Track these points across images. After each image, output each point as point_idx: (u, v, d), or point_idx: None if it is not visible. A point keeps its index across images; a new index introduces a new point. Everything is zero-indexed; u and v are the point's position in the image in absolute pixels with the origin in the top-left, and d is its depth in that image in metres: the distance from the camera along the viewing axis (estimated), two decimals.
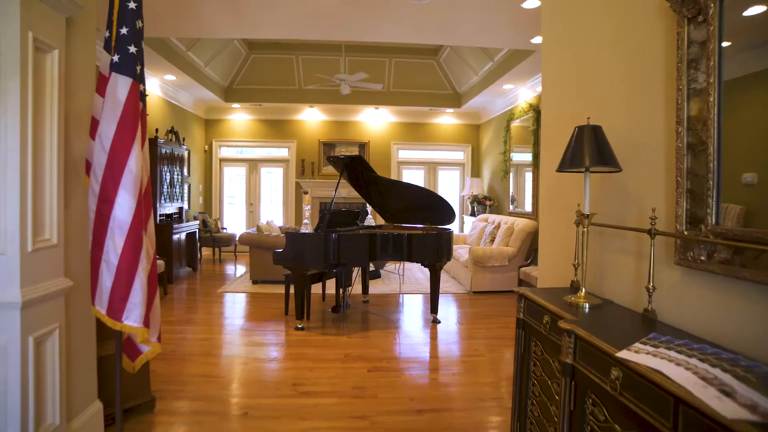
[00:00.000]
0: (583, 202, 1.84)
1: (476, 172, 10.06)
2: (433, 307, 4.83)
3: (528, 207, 7.65)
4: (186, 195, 8.64)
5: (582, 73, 2.33)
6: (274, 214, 9.92)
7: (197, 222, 7.80)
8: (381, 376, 3.43)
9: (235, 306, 5.44)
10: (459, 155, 10.21)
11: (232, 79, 8.90)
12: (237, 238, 8.47)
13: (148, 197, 2.24)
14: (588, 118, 1.92)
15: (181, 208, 7.52)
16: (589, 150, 1.71)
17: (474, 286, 6.27)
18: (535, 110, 7.03)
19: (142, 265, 2.06)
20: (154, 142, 6.41)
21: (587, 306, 1.79)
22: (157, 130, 6.56)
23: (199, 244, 8.62)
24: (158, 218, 6.51)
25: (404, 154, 10.09)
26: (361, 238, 4.41)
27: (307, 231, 4.19)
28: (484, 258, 6.17)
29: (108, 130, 2.00)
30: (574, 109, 2.40)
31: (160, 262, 5.70)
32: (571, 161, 1.77)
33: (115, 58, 2.03)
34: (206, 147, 9.71)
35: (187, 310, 5.19)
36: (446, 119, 10.02)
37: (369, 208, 5.55)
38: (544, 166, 2.77)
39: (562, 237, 2.50)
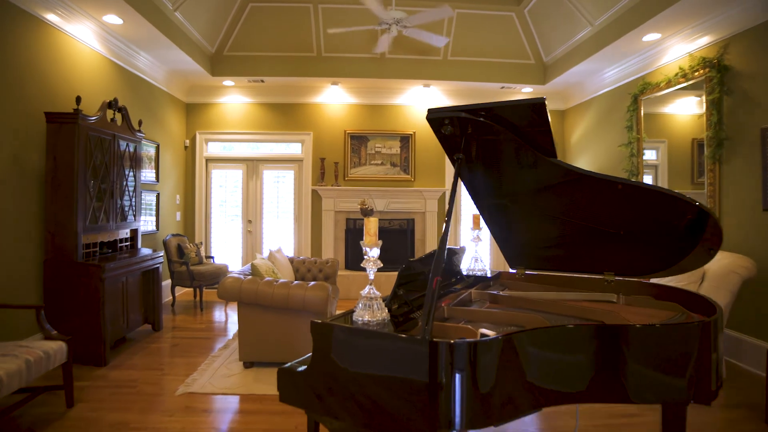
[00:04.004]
0: None
1: None
2: None
3: None
4: (153, 210, 5.88)
5: None
6: (282, 235, 7.12)
7: (162, 253, 5.01)
8: None
9: None
10: None
11: (221, 42, 6.17)
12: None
13: None
14: None
15: (135, 231, 4.76)
16: None
17: None
18: (717, 67, 4.17)
19: None
20: (71, 118, 3.66)
21: None
22: (78, 99, 3.79)
23: (171, 282, 5.86)
24: (80, 253, 3.73)
25: None
26: (574, 345, 1.48)
27: (370, 318, 1.25)
28: None
29: None
30: None
31: (56, 345, 2.87)
32: None
33: None
34: (187, 141, 6.95)
35: None
36: None
37: (475, 240, 2.68)
38: None
39: None
